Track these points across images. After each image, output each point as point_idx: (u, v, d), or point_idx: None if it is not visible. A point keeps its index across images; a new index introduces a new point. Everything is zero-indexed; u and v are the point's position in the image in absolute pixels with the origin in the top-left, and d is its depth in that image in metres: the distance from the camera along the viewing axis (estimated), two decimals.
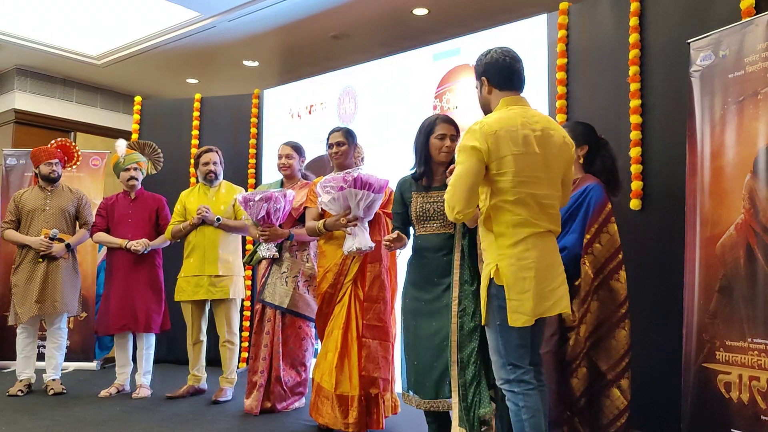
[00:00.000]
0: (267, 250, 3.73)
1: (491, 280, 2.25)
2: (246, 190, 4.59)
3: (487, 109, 2.42)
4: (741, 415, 2.58)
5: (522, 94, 2.38)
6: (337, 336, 3.24)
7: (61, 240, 4.26)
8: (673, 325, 3.07)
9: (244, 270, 4.30)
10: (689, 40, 3.00)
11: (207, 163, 4.20)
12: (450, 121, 2.81)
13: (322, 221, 3.32)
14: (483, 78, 2.37)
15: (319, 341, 3.56)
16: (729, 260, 2.71)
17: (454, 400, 2.58)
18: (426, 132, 2.78)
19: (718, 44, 2.86)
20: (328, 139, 3.51)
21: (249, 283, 5.27)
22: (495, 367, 2.33)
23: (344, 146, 3.45)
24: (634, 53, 3.53)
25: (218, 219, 4.06)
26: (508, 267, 2.21)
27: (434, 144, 2.75)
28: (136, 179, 4.35)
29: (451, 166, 2.47)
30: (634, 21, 3.55)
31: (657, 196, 3.43)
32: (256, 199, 3.59)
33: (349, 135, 3.49)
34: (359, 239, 3.10)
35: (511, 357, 2.25)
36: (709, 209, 2.83)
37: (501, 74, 2.33)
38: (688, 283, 2.91)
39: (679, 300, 2.98)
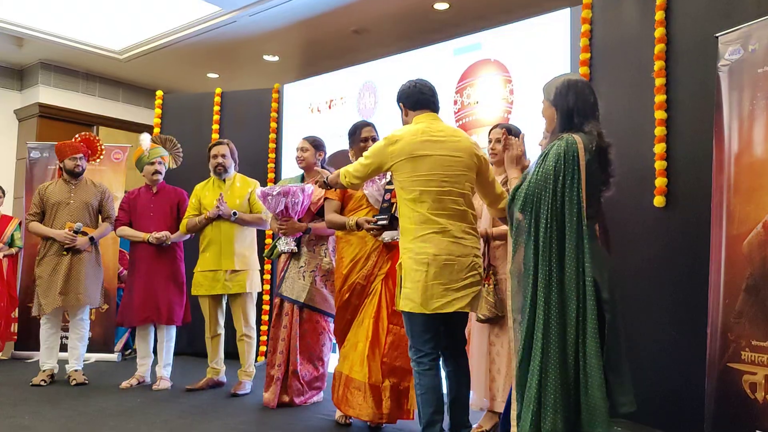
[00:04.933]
0: (286, 245, 3.73)
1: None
2: (265, 185, 4.60)
3: None
4: (766, 416, 2.54)
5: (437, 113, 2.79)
6: (368, 325, 3.22)
7: (84, 233, 4.31)
8: (698, 324, 3.02)
9: (264, 264, 4.31)
10: (717, 34, 2.94)
11: (216, 156, 4.21)
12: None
13: (354, 219, 3.24)
14: (400, 104, 2.84)
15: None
16: (756, 259, 2.65)
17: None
18: None
19: (748, 38, 2.80)
20: (360, 132, 3.39)
21: (268, 277, 5.29)
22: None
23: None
24: (659, 48, 3.47)
25: (234, 213, 4.07)
26: (408, 260, 2.58)
27: None
28: (160, 173, 4.40)
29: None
30: (659, 15, 3.48)
31: (682, 193, 3.37)
32: (274, 193, 3.59)
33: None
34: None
35: (416, 341, 2.61)
36: (736, 206, 2.77)
37: (410, 99, 2.80)
38: (713, 282, 2.86)
39: (703, 299, 2.93)
